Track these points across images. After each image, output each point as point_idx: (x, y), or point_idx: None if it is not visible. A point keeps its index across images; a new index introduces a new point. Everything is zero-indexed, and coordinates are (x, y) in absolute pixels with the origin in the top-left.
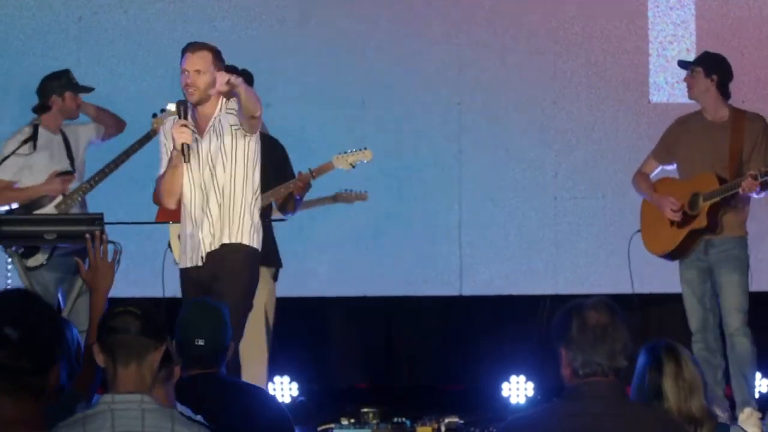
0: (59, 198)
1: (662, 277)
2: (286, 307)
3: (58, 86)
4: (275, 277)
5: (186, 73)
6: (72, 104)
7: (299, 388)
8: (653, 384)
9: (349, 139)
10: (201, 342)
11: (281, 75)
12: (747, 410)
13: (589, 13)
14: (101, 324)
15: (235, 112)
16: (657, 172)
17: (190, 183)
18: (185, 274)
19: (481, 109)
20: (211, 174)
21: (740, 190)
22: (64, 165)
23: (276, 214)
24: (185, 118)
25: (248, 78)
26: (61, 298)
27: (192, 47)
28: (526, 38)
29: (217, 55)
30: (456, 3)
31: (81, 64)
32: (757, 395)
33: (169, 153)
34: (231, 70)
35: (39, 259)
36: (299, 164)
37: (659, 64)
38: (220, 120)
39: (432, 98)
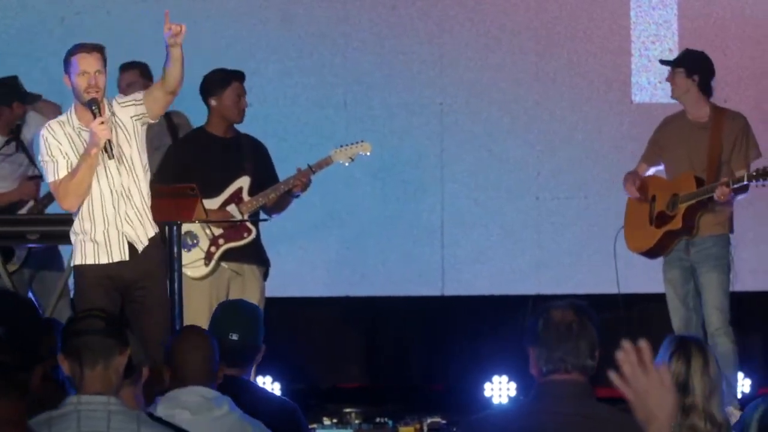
0: (31, 203)
1: (646, 277)
2: (268, 307)
3: (5, 95)
4: (265, 276)
5: (87, 74)
6: (19, 111)
7: (282, 388)
8: (679, 377)
9: (331, 139)
10: (235, 337)
11: (263, 75)
12: (728, 410)
13: (572, 13)
14: (65, 330)
15: (134, 103)
16: (650, 173)
17: (96, 180)
18: (97, 270)
19: (463, 109)
20: (117, 169)
21: (714, 197)
22: (31, 168)
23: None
24: (100, 115)
25: (240, 77)
26: (32, 297)
27: (87, 48)
28: (509, 38)
29: (105, 55)
30: (438, 3)
31: None
32: (739, 395)
33: (66, 155)
34: (222, 71)
35: (15, 265)
36: (280, 165)
37: (642, 64)
38: (115, 114)
39: (414, 98)
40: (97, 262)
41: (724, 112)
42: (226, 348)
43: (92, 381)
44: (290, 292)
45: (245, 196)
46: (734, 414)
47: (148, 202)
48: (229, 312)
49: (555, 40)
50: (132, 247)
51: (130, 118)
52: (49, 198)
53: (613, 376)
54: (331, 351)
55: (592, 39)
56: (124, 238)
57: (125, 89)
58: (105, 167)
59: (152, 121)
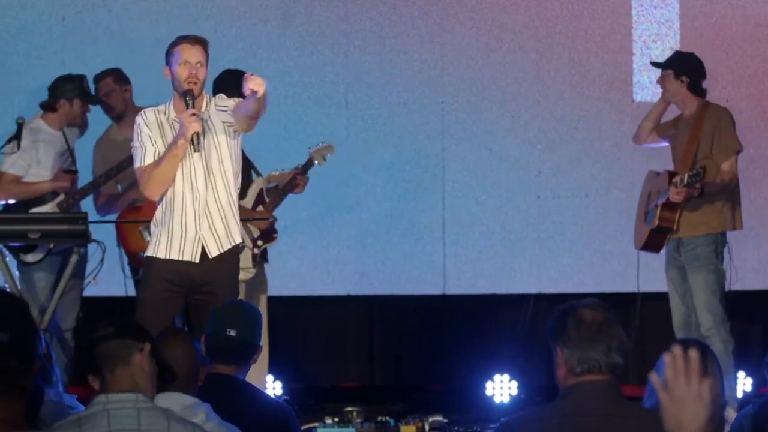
0: (62, 196)
1: (645, 276)
2: (269, 306)
3: (69, 90)
4: None
5: (188, 64)
6: (78, 111)
7: (283, 387)
8: None
9: (332, 138)
10: (233, 333)
11: (264, 74)
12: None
13: (573, 12)
14: (86, 352)
15: (227, 110)
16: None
17: (180, 177)
18: (165, 264)
19: (464, 108)
20: (204, 169)
21: (670, 198)
22: (69, 162)
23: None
24: (192, 106)
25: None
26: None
27: (190, 39)
28: (510, 37)
29: (208, 50)
30: (439, 2)
31: (65, 63)
32: (740, 394)
33: (155, 142)
34: (232, 73)
35: (38, 255)
36: (281, 164)
37: (643, 63)
38: (209, 115)
39: (415, 97)
40: (167, 257)
41: (707, 108)
42: (224, 345)
43: (115, 382)
44: (291, 291)
45: (265, 197)
46: (730, 415)
47: (236, 210)
48: (229, 310)
49: (556, 39)
50: (204, 251)
51: (222, 123)
52: (81, 193)
53: (653, 377)
54: (332, 350)
55: (594, 38)
56: (200, 241)
57: (105, 99)
58: (191, 167)
59: (243, 133)
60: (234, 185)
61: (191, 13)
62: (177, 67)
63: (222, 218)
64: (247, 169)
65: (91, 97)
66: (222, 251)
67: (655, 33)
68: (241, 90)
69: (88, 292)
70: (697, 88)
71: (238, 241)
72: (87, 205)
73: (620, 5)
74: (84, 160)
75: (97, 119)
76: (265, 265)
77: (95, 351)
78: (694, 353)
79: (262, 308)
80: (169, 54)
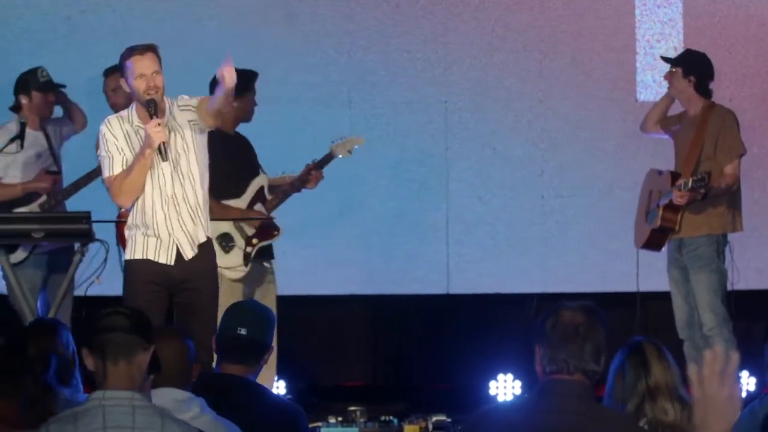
0: (44, 197)
1: (646, 275)
2: None
3: (24, 87)
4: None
5: (144, 76)
6: (39, 101)
7: (286, 387)
8: (637, 368)
9: (335, 137)
10: (243, 331)
11: (268, 74)
12: None
13: (577, 12)
14: (92, 326)
15: (192, 108)
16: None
17: (149, 183)
18: (146, 266)
19: (468, 107)
20: (172, 171)
21: (673, 200)
22: (50, 162)
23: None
24: (156, 116)
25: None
26: (40, 300)
27: (139, 50)
28: (513, 36)
29: (159, 54)
30: (443, 1)
31: (69, 62)
32: (744, 393)
33: (122, 151)
34: (244, 73)
35: (20, 255)
36: (285, 164)
37: (647, 63)
38: (174, 116)
39: (418, 97)
40: (145, 257)
41: (712, 109)
42: (233, 343)
43: (115, 377)
44: (294, 290)
45: (267, 195)
46: None
47: (205, 207)
48: (240, 309)
49: (560, 38)
50: (179, 253)
51: (187, 122)
52: (64, 194)
53: (691, 370)
54: (336, 349)
55: (597, 37)
56: (174, 243)
57: (111, 94)
58: (158, 172)
59: (207, 129)
60: (202, 184)
61: (195, 12)
62: (134, 81)
63: (192, 219)
64: (250, 166)
65: (49, 84)
66: (195, 252)
67: (659, 32)
68: (242, 89)
69: (101, 290)
70: (703, 88)
71: (202, 239)
72: (77, 204)
73: (624, 5)
74: (83, 158)
75: (99, 117)
76: (272, 263)
77: (104, 336)
78: (735, 356)
79: (271, 308)
80: (122, 67)
